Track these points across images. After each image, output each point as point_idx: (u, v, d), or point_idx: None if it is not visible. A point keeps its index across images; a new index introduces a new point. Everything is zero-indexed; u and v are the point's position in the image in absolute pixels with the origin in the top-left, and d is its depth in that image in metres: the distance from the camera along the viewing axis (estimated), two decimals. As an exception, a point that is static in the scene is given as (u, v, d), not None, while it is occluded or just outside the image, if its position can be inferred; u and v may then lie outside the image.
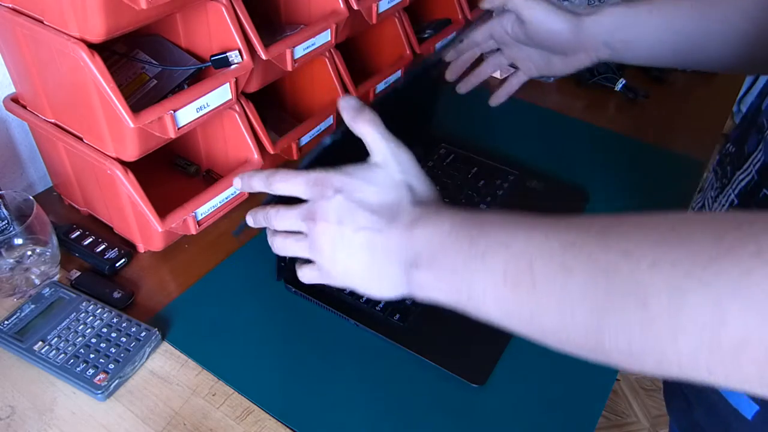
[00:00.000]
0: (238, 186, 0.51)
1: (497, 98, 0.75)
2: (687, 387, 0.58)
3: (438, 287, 0.40)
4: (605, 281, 0.31)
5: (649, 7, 0.61)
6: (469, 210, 0.41)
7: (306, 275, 0.48)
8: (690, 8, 0.60)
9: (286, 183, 0.47)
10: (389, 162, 0.45)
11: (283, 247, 0.49)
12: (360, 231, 0.43)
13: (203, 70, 0.72)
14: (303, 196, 0.46)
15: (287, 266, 0.64)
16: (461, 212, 0.41)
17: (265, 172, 0.48)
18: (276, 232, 0.49)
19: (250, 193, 0.76)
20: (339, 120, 0.46)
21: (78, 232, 0.71)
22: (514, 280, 0.35)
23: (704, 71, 0.65)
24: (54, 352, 0.58)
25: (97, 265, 0.68)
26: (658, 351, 0.30)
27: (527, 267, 0.35)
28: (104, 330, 0.60)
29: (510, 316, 0.36)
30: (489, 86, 0.75)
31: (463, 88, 0.75)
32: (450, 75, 0.75)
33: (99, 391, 0.55)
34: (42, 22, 0.59)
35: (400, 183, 0.44)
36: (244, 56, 0.67)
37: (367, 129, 0.45)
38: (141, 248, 0.72)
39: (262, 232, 0.73)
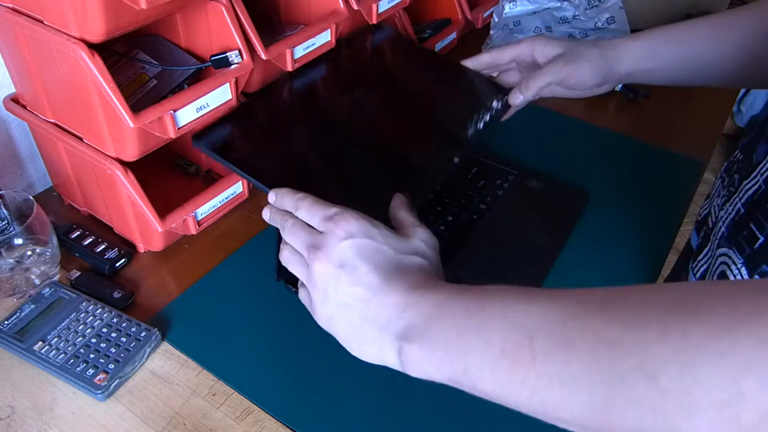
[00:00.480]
0: (272, 200, 0.51)
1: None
2: None
3: (430, 362, 0.38)
4: (610, 354, 0.30)
5: (665, 36, 0.64)
6: (468, 285, 0.40)
7: (302, 296, 0.48)
8: (704, 34, 0.61)
9: (308, 211, 0.47)
10: (416, 238, 0.46)
11: (288, 262, 0.48)
12: (356, 287, 0.42)
13: (203, 70, 0.72)
14: (317, 227, 0.46)
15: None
16: (461, 287, 0.40)
17: (297, 194, 0.48)
18: (287, 243, 0.49)
19: (250, 194, 0.76)
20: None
21: (78, 232, 0.71)
22: (512, 354, 0.33)
23: (716, 88, 0.68)
24: (54, 352, 0.58)
25: (97, 265, 0.68)
26: (671, 428, 0.28)
27: (526, 340, 0.33)
28: (104, 330, 0.60)
29: (508, 392, 0.34)
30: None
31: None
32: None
33: (99, 391, 0.55)
34: (42, 22, 0.59)
35: (414, 250, 0.44)
36: (244, 56, 0.67)
37: (407, 217, 0.48)
38: (141, 248, 0.72)
39: (259, 232, 0.74)
